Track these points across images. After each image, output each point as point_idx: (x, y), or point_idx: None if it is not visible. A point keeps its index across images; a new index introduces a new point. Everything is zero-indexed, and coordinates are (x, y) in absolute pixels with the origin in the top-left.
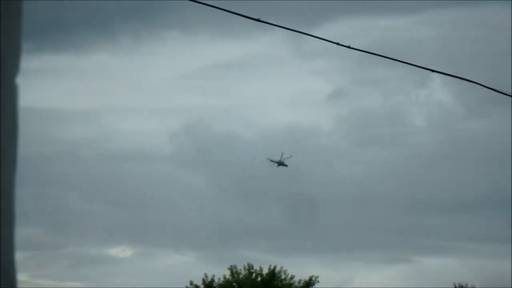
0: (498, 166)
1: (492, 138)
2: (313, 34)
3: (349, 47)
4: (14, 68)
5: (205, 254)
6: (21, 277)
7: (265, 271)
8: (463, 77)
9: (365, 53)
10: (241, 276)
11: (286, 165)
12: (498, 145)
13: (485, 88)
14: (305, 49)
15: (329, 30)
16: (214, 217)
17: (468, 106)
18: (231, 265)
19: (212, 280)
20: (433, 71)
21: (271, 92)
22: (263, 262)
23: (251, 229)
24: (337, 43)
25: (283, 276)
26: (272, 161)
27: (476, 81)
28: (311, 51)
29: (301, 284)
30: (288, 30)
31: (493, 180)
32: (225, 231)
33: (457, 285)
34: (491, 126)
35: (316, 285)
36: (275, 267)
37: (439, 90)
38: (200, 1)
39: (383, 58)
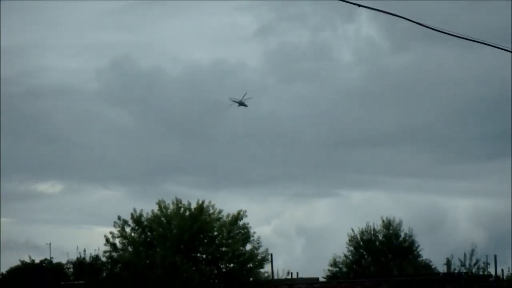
0: (422, 100)
1: (416, 73)
2: None
3: None
4: None
5: (134, 190)
6: None
7: (194, 205)
8: (390, 12)
9: None
10: (169, 211)
11: (246, 106)
12: (422, 80)
13: (410, 23)
14: None
15: None
16: (142, 153)
17: (394, 41)
18: (159, 200)
19: (141, 215)
20: (359, 6)
21: (197, 28)
22: (191, 197)
23: (179, 165)
24: None
25: (211, 211)
26: (234, 100)
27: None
28: None
29: (229, 218)
30: None
31: (418, 115)
32: (153, 167)
33: (384, 219)
34: (416, 60)
35: (244, 219)
36: (203, 202)
37: (366, 25)
38: None
39: None
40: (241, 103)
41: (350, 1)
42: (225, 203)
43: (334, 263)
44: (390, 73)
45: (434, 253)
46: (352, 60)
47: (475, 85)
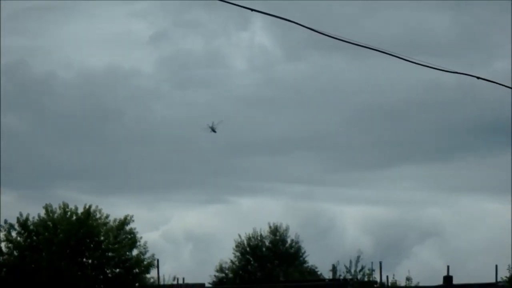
0: (316, 108)
1: (310, 81)
2: None
3: None
4: None
5: (24, 195)
6: None
7: (81, 210)
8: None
9: None
10: (56, 215)
11: (215, 132)
12: (316, 88)
13: (304, 32)
14: None
15: None
16: (34, 158)
17: (287, 49)
18: (46, 204)
19: (27, 219)
20: (252, 10)
21: (92, 33)
22: (81, 202)
23: (69, 170)
24: None
25: (98, 216)
26: (210, 127)
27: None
28: None
29: (116, 223)
30: None
31: (311, 123)
32: (44, 172)
33: (271, 225)
34: (309, 69)
35: (131, 224)
36: (90, 206)
37: (260, 33)
38: None
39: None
40: (213, 129)
41: (245, 6)
42: (114, 209)
43: (221, 269)
44: (284, 80)
45: (320, 259)
46: (245, 67)
47: (369, 93)
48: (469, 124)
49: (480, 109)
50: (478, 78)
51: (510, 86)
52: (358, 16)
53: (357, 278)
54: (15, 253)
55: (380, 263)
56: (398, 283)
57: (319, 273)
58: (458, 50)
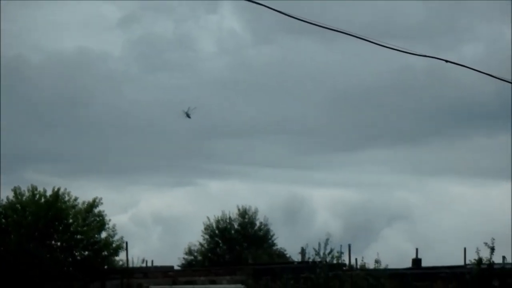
0: (287, 92)
1: (281, 65)
2: None
3: None
4: None
5: None
6: None
7: (49, 193)
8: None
9: None
10: (24, 197)
11: (189, 117)
12: (287, 72)
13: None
14: None
15: None
16: (3, 142)
17: (257, 33)
18: (14, 187)
19: None
20: None
21: (60, 16)
22: (48, 185)
23: (38, 153)
24: None
25: (66, 198)
26: (185, 112)
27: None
28: None
29: (85, 205)
30: None
31: (282, 106)
32: (14, 155)
33: (240, 208)
34: (278, 53)
35: (100, 207)
36: (59, 189)
37: (229, 17)
38: None
39: None
40: (187, 115)
41: None
42: (83, 192)
43: (189, 252)
44: (253, 64)
45: (289, 242)
46: (215, 51)
47: (339, 77)
48: (438, 108)
49: (449, 93)
50: (446, 61)
51: (478, 69)
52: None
53: (326, 261)
54: None
55: (349, 245)
56: (367, 266)
57: (288, 256)
58: (427, 33)
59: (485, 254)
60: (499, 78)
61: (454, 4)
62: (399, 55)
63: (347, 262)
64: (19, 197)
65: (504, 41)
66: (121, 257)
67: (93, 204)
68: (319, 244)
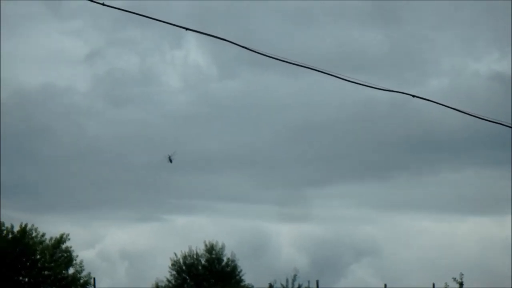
0: (249, 126)
1: (244, 99)
2: None
3: (103, 4)
4: None
5: None
6: None
7: (16, 228)
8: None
9: (122, 12)
10: None
11: (171, 162)
12: (250, 106)
13: (237, 48)
14: (62, 9)
15: None
16: None
17: (221, 67)
18: None
19: None
20: (187, 29)
21: (25, 51)
22: (14, 220)
23: (2, 187)
24: (92, 0)
25: (34, 234)
26: (168, 156)
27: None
28: (68, 11)
29: (52, 241)
30: None
31: (244, 140)
32: None
33: (207, 243)
34: (242, 86)
35: (67, 242)
36: (26, 225)
37: (194, 51)
38: None
39: (140, 17)
40: (170, 159)
41: (179, 25)
42: (49, 227)
43: (157, 287)
44: (217, 98)
45: (257, 278)
46: (180, 85)
47: (302, 110)
48: (403, 142)
49: (414, 126)
50: (413, 96)
51: (444, 104)
52: (292, 32)
53: None
54: None
55: (317, 281)
56: None
57: None
58: (391, 67)
59: None
60: (465, 113)
61: (417, 37)
62: (363, 88)
63: None
64: None
65: (468, 74)
66: None
67: (60, 240)
68: (287, 280)
